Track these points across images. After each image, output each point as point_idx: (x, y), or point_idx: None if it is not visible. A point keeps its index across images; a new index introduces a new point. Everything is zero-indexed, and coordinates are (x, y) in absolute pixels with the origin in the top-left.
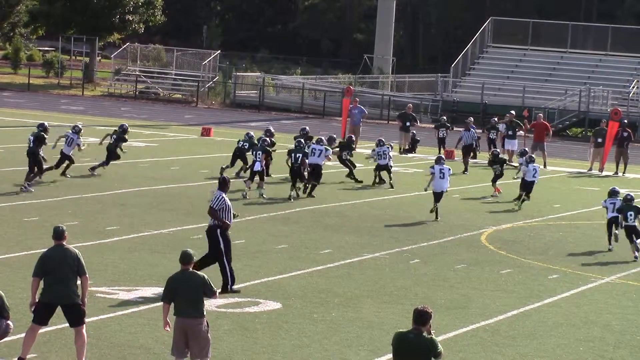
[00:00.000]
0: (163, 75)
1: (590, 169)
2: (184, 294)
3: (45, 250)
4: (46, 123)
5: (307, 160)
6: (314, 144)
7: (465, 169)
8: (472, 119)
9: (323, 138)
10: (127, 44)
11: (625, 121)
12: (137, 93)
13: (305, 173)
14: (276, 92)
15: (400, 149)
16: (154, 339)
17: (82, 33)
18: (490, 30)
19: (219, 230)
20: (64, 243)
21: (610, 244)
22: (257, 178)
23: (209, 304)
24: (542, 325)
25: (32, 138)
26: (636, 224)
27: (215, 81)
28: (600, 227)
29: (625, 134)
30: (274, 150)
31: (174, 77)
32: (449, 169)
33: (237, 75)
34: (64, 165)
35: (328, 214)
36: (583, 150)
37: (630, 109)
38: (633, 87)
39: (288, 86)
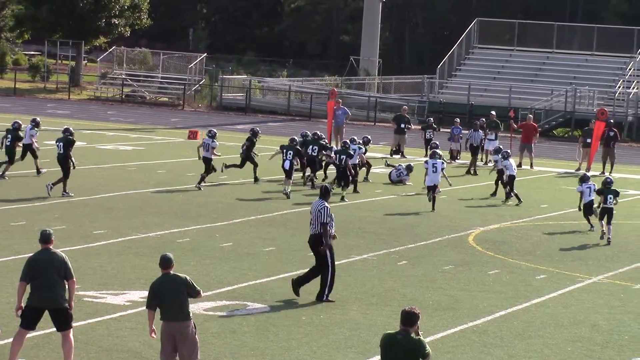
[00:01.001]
0: (149, 79)
1: (579, 169)
2: (168, 298)
3: (32, 254)
4: (71, 128)
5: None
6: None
7: (475, 171)
8: (458, 120)
9: (356, 138)
10: (113, 47)
11: (612, 121)
12: (123, 97)
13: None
14: (263, 95)
15: (391, 150)
16: (142, 343)
17: (68, 37)
18: (476, 31)
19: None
20: (51, 247)
21: (591, 225)
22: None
23: (197, 308)
24: (530, 326)
25: (61, 144)
26: (613, 206)
27: (202, 84)
28: (586, 226)
29: (612, 134)
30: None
31: (160, 80)
32: (443, 163)
33: (224, 78)
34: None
35: None
36: (569, 150)
37: (617, 109)
38: (619, 87)
39: (274, 89)
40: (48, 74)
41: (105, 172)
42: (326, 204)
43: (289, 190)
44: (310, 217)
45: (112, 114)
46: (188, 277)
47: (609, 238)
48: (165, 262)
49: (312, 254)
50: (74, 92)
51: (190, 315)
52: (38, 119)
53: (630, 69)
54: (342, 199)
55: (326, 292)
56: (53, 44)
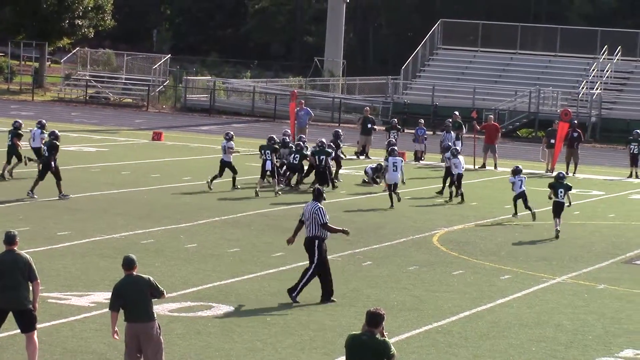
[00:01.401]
0: (113, 80)
1: (548, 170)
2: (132, 299)
3: None
4: (57, 131)
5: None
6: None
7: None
8: (422, 121)
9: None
10: (77, 48)
11: (575, 122)
12: (87, 98)
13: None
14: (227, 96)
15: (356, 152)
16: (106, 344)
17: (32, 38)
18: (440, 32)
19: (317, 242)
20: (15, 248)
21: (516, 213)
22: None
23: (162, 309)
24: (494, 326)
25: (45, 147)
26: (564, 201)
27: (166, 85)
28: (551, 227)
29: (575, 135)
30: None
31: (124, 81)
32: (402, 161)
33: (188, 79)
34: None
35: (279, 217)
36: (533, 151)
37: (580, 110)
38: (582, 88)
39: (239, 90)
40: (12, 75)
41: (69, 173)
42: (320, 205)
43: (277, 189)
44: (305, 220)
45: (75, 115)
46: (151, 278)
47: (557, 230)
48: (128, 264)
49: (274, 255)
50: (37, 93)
51: (155, 316)
52: (44, 120)
53: (593, 70)
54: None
55: (296, 293)
56: (16, 45)
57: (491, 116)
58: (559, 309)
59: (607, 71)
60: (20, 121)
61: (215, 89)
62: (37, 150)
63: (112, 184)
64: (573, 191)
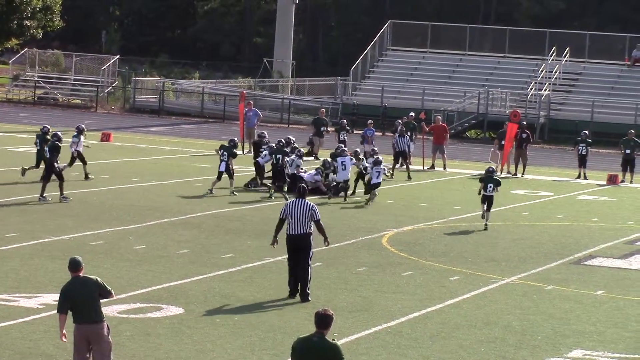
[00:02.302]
0: (62, 81)
1: (501, 171)
2: (80, 300)
3: None
4: (59, 133)
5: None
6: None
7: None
8: (371, 122)
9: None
10: (25, 49)
11: (524, 122)
12: (36, 99)
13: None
14: (176, 97)
15: (314, 154)
16: (55, 345)
17: None
18: (389, 33)
19: (311, 237)
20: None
21: (368, 200)
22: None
23: (111, 310)
24: (444, 327)
25: (47, 149)
26: (494, 194)
27: (115, 86)
28: (500, 227)
29: (524, 136)
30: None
31: (73, 82)
32: (351, 159)
33: (137, 80)
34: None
35: (229, 218)
36: (482, 151)
37: (529, 111)
38: (531, 89)
39: (188, 91)
40: None
41: (18, 175)
42: (312, 203)
43: (232, 189)
44: (290, 217)
45: (24, 116)
46: (99, 279)
47: (486, 224)
48: (75, 265)
49: (223, 256)
50: None
51: (104, 316)
52: (83, 125)
53: (542, 71)
54: (271, 197)
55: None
56: None
57: (439, 117)
58: (508, 309)
59: (555, 72)
60: (48, 126)
61: (164, 90)
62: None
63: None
64: (521, 192)
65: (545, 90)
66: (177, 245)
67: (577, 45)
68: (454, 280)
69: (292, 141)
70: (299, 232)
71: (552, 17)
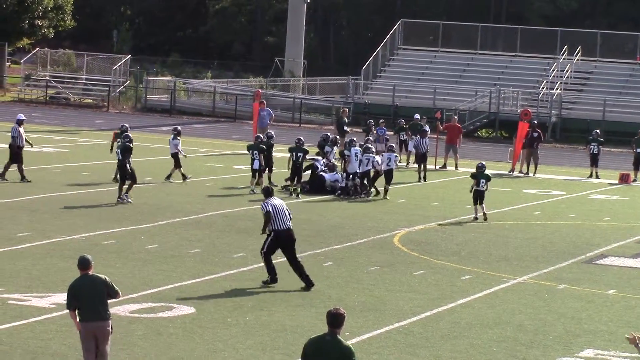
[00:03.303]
0: (73, 80)
1: (513, 170)
2: (88, 298)
3: None
4: (130, 134)
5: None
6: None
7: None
8: (383, 121)
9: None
10: (37, 49)
11: (535, 122)
12: (47, 98)
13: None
14: (187, 96)
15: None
16: (66, 345)
17: None
18: (400, 32)
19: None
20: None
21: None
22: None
23: (122, 310)
24: (455, 326)
25: (119, 151)
26: (484, 190)
27: (126, 86)
28: (511, 227)
29: (535, 135)
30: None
31: (84, 82)
32: (361, 151)
33: (148, 80)
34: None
35: (240, 217)
36: (493, 151)
37: (540, 110)
38: (542, 88)
39: (199, 90)
40: None
41: (29, 174)
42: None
43: (254, 188)
44: (277, 213)
45: (36, 115)
46: (107, 278)
47: (484, 214)
48: (84, 263)
49: (235, 255)
50: None
51: (110, 314)
52: (180, 127)
53: (553, 70)
54: (298, 195)
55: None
56: None
57: (455, 117)
58: (519, 309)
59: (567, 71)
60: (127, 125)
61: (176, 90)
62: (173, 155)
63: (73, 184)
64: (533, 191)
65: (557, 89)
66: (188, 245)
67: (589, 44)
68: (465, 279)
69: (333, 137)
70: (286, 226)
71: (563, 16)
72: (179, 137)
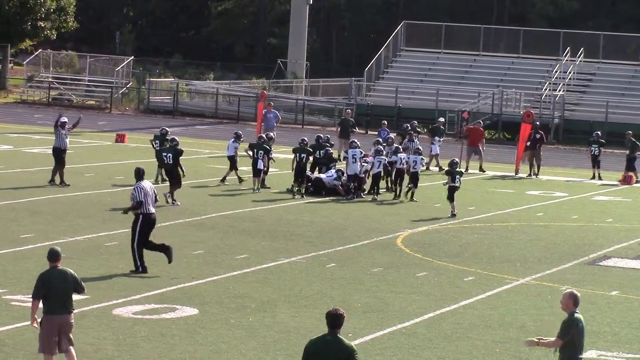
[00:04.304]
0: (76, 82)
1: (517, 172)
2: (57, 291)
3: None
4: (176, 138)
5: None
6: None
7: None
8: (386, 122)
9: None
10: (40, 50)
11: (538, 123)
12: (50, 100)
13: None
14: (190, 98)
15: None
16: None
17: None
18: (403, 33)
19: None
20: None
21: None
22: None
23: (125, 311)
24: (458, 327)
25: (170, 155)
26: (458, 185)
27: (129, 87)
28: (514, 228)
29: (538, 136)
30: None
31: (87, 83)
32: (361, 152)
33: (151, 81)
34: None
35: (243, 219)
36: (496, 152)
37: (543, 111)
38: (545, 89)
39: (202, 91)
40: None
41: (32, 175)
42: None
43: (257, 187)
44: (147, 198)
45: (38, 117)
46: (75, 273)
47: (453, 212)
48: (54, 256)
49: (238, 257)
50: (0, 95)
51: (73, 308)
52: (240, 132)
53: (556, 72)
54: (302, 196)
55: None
56: None
57: (480, 121)
58: (522, 310)
59: (569, 73)
60: (167, 128)
61: (179, 91)
62: (230, 158)
63: (75, 186)
64: (536, 192)
65: (560, 90)
66: (191, 246)
67: (591, 45)
68: (468, 280)
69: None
70: (154, 210)
71: (566, 17)
72: (238, 141)
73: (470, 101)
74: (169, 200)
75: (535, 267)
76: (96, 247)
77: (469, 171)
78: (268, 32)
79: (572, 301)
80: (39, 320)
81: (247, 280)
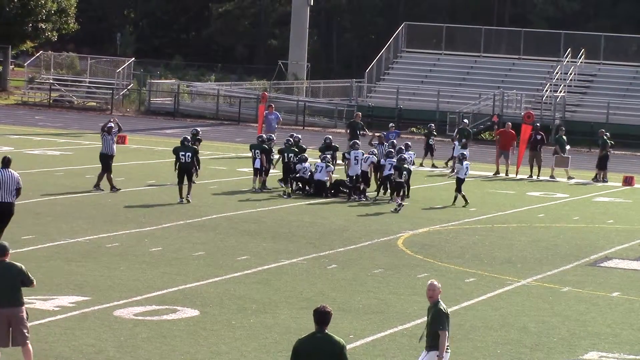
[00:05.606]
0: (77, 83)
1: (517, 173)
2: (3, 284)
3: None
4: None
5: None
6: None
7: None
8: (393, 124)
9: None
10: (41, 52)
11: (539, 124)
12: (51, 101)
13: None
14: (191, 99)
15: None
16: (71, 348)
17: None
18: (404, 35)
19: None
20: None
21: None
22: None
23: (126, 312)
24: (459, 329)
25: (189, 154)
26: (402, 181)
27: (130, 88)
28: (515, 229)
29: (539, 137)
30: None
31: (88, 84)
32: (363, 154)
33: (152, 83)
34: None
35: (244, 220)
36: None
37: (544, 112)
38: (546, 91)
39: (203, 93)
40: None
41: (33, 177)
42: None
43: (257, 186)
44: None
45: (39, 118)
46: (23, 267)
47: (397, 207)
48: (1, 250)
49: (239, 258)
50: (1, 97)
51: (24, 302)
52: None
53: (557, 73)
54: (289, 195)
55: None
56: None
57: (509, 123)
58: (523, 311)
59: (570, 74)
60: (198, 129)
61: (180, 92)
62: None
63: (76, 187)
64: (537, 193)
65: (561, 91)
66: (192, 248)
67: (592, 46)
68: (469, 282)
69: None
70: (5, 199)
71: (566, 18)
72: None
73: (471, 102)
74: (188, 199)
75: (536, 269)
76: (97, 247)
77: (499, 174)
78: (269, 33)
79: (439, 291)
80: None
81: (248, 281)
